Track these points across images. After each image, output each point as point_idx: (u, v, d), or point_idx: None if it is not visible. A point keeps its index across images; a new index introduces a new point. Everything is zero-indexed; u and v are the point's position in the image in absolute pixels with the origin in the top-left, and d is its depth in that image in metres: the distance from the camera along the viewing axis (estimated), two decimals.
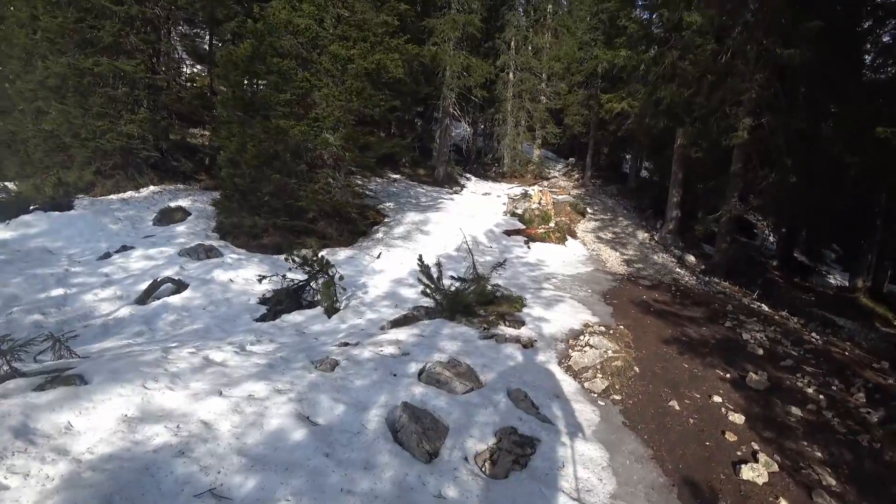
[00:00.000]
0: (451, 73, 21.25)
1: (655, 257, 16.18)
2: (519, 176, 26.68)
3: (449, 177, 22.19)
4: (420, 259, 8.18)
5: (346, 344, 6.53)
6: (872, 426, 6.45)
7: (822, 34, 14.20)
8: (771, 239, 28.45)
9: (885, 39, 18.64)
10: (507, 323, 7.56)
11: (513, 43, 26.37)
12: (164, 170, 16.23)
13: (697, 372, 7.31)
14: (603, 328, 8.22)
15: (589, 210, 21.36)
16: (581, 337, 7.53)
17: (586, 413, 5.52)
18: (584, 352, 6.81)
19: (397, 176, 20.99)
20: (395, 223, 14.20)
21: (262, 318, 8.63)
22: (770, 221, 28.64)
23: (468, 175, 25.41)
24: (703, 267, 16.30)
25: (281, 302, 9.04)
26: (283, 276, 9.36)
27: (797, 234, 24.84)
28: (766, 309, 12.53)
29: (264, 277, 9.32)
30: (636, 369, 6.89)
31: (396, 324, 7.48)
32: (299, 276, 9.38)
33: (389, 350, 6.12)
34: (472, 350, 6.33)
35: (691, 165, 18.64)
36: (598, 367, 6.45)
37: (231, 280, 9.90)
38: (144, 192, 15.21)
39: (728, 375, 7.36)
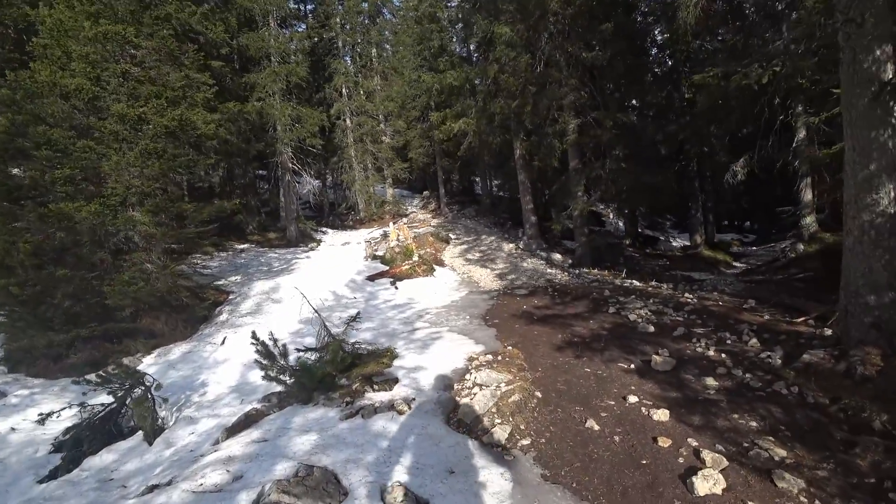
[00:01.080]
0: (282, 127, 19.49)
1: (525, 264, 15.57)
2: (378, 219, 25.33)
3: (303, 234, 20.15)
4: (254, 335, 6.25)
5: (154, 488, 4.40)
6: (780, 370, 5.78)
7: (615, 34, 14.89)
8: (619, 223, 30.15)
9: (656, 34, 20.58)
10: (377, 386, 5.88)
11: (344, 90, 25.35)
12: None
13: (601, 373, 6.20)
14: (490, 356, 6.87)
15: (452, 236, 20.54)
16: (467, 376, 6.08)
17: (493, 480, 4.00)
18: (474, 395, 5.35)
19: (244, 245, 18.50)
20: (241, 298, 11.92)
21: (53, 475, 6.03)
22: (613, 207, 30.45)
23: (324, 229, 23.49)
24: (570, 261, 16.01)
25: (81, 442, 6.49)
26: (82, 406, 6.82)
27: (637, 212, 26.48)
28: (638, 284, 12.23)
29: (48, 416, 6.68)
30: (538, 395, 5.58)
31: (234, 430, 5.45)
32: (107, 399, 6.92)
33: (214, 479, 4.13)
34: (332, 441, 4.55)
35: (536, 172, 18.68)
36: (495, 409, 5.02)
37: (12, 429, 7.07)
38: None
39: (632, 366, 6.36)
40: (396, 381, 6.10)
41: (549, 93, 14.95)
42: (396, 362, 6.75)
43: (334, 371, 6.09)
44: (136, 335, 10.24)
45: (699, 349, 6.73)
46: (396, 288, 12.80)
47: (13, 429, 7.11)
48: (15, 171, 10.38)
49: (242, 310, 11.36)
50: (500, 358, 6.76)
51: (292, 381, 5.92)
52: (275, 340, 6.52)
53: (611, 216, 30.97)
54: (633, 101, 21.00)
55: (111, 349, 9.90)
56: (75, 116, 10.19)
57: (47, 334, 9.45)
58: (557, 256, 16.33)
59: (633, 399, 5.34)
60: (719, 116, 15.16)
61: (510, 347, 7.42)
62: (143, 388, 6.83)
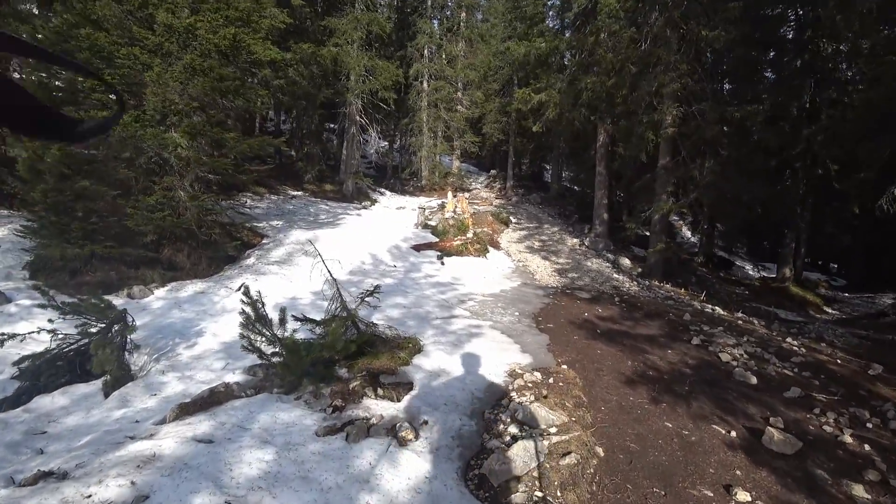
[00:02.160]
0: (355, 77, 18.12)
1: (589, 263, 13.55)
2: (439, 189, 23.71)
3: (359, 191, 18.89)
4: (244, 290, 4.81)
5: (43, 477, 3.05)
6: None
7: (743, 16, 12.35)
8: (689, 235, 27.15)
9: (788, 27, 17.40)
10: (382, 390, 4.31)
11: (426, 51, 23.61)
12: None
13: (689, 434, 4.35)
14: (538, 374, 5.14)
15: (513, 219, 18.67)
16: (505, 401, 4.39)
17: None
18: (511, 444, 3.62)
19: (298, 192, 17.46)
20: (274, 244, 10.71)
21: None
22: (688, 221, 27.40)
23: (383, 190, 22.17)
24: (639, 270, 13.85)
25: (38, 376, 5.35)
26: (53, 333, 5.68)
27: (714, 229, 23.54)
28: (723, 312, 10.04)
29: (11, 337, 5.56)
30: (599, 453, 3.82)
31: (188, 409, 4.04)
32: (90, 331, 5.74)
33: (109, 493, 2.72)
34: (290, 470, 3.02)
35: (616, 165, 16.40)
36: (537, 475, 3.29)
37: None
38: None
39: (733, 433, 4.44)
40: (410, 387, 4.50)
41: (652, 75, 12.64)
42: (417, 359, 5.14)
43: (334, 356, 4.57)
44: (156, 264, 9.19)
45: (828, 428, 4.70)
46: (442, 263, 11.20)
47: None
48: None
49: (272, 257, 10.11)
50: (550, 381, 5.02)
51: (277, 359, 4.45)
52: (272, 305, 5.09)
53: (683, 229, 27.97)
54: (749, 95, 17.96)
55: (126, 274, 8.91)
56: (126, 23, 9.07)
57: (63, 246, 8.55)
58: (626, 262, 14.19)
59: (743, 497, 3.48)
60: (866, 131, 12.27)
61: (565, 366, 5.65)
62: (117, 327, 5.60)
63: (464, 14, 25.48)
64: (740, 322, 8.97)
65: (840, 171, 17.27)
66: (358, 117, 18.91)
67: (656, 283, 12.56)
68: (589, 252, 15.09)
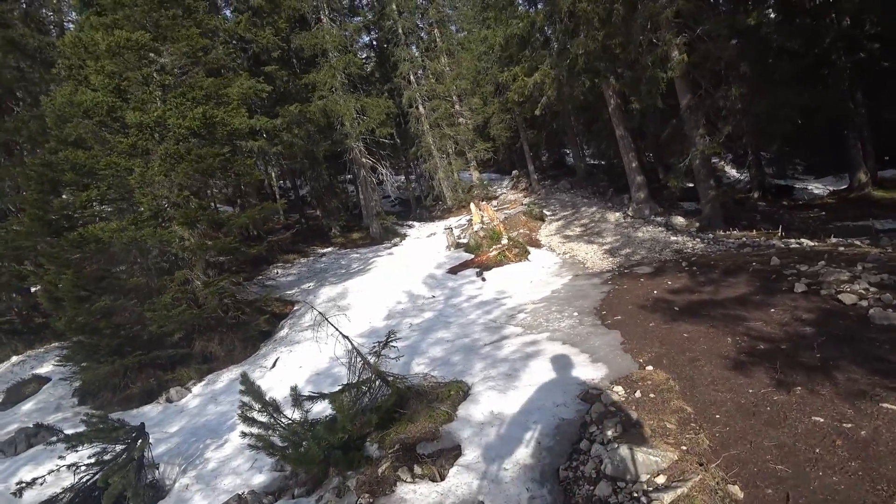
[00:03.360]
0: (349, 122, 17.60)
1: (639, 234, 12.06)
2: (465, 206, 22.69)
3: (386, 231, 18.17)
4: (244, 379, 3.90)
5: None
6: None
7: None
8: (735, 174, 24.75)
9: None
10: (421, 466, 3.25)
11: (411, 76, 23.00)
12: (29, 331, 11.92)
13: (857, 428, 2.97)
14: (620, 390, 3.91)
15: (547, 212, 17.36)
16: (585, 446, 3.20)
17: None
18: None
19: (327, 249, 16.91)
20: (305, 308, 9.98)
21: None
22: (728, 158, 25.02)
23: (411, 223, 21.40)
24: (696, 225, 12.21)
25: None
26: (74, 469, 4.97)
27: (760, 158, 21.18)
28: (812, 243, 8.40)
29: (29, 484, 4.87)
30: (738, 496, 2.58)
31: None
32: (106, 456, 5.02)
33: None
34: None
35: (636, 123, 14.92)
36: None
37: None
38: (4, 366, 10.92)
39: None
40: (457, 453, 3.40)
41: (642, 9, 11.21)
42: (464, 408, 4.04)
43: (357, 432, 3.55)
44: (190, 360, 8.61)
45: None
46: (483, 279, 10.09)
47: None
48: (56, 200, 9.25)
49: (304, 322, 9.34)
50: (637, 394, 3.79)
51: (291, 451, 3.47)
52: (295, 390, 4.15)
53: (726, 168, 25.58)
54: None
55: (164, 377, 8.36)
56: (99, 133, 8.71)
57: (94, 367, 8.11)
58: (679, 220, 12.59)
59: None
60: None
61: (650, 368, 4.39)
62: (133, 445, 4.82)
63: (436, 30, 24.76)
64: (841, 249, 7.32)
65: (886, 47, 15.05)
66: (364, 159, 18.32)
67: (720, 233, 10.95)
68: (635, 222, 13.56)
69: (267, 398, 3.94)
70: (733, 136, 12.61)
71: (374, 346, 4.33)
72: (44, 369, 10.37)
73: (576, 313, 6.77)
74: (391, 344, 4.33)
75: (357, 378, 4.20)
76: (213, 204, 9.63)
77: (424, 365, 5.72)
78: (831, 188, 19.99)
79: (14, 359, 11.26)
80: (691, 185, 14.27)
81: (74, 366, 8.44)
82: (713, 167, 12.24)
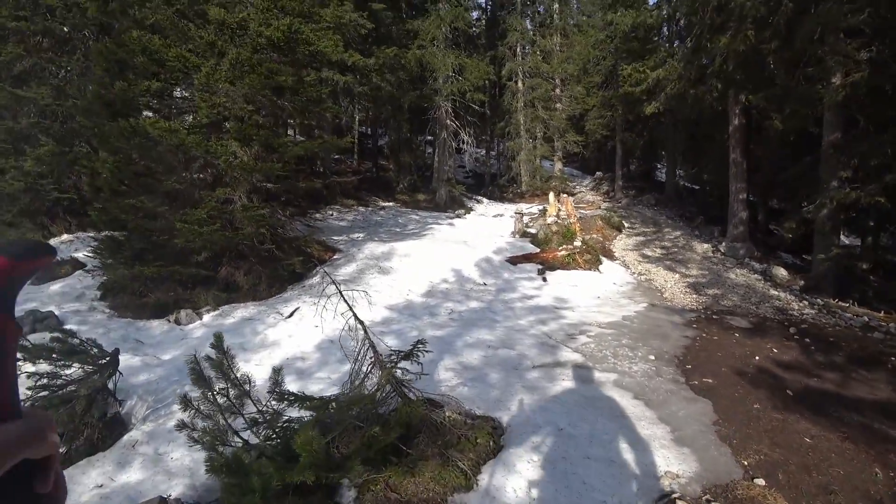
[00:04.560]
0: (442, 79, 16.26)
1: (731, 276, 10.13)
2: (541, 195, 20.96)
3: (452, 200, 16.92)
4: (216, 338, 2.80)
5: None
6: None
7: None
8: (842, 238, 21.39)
9: None
10: None
11: (518, 49, 21.18)
12: (85, 213, 11.75)
13: None
14: None
15: (626, 224, 15.47)
16: None
17: None
18: None
19: (389, 203, 15.91)
20: (346, 259, 8.96)
21: None
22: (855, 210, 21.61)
23: (480, 198, 19.99)
24: (802, 283, 10.10)
25: None
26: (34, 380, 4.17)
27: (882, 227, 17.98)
28: None
29: None
30: None
31: None
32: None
33: None
34: None
35: (757, 150, 12.65)
36: None
37: None
38: (53, 241, 10.71)
39: None
40: None
41: (818, 13, 8.99)
42: (489, 472, 2.75)
43: (335, 462, 2.36)
44: (212, 284, 7.78)
45: None
46: (544, 280, 8.66)
47: None
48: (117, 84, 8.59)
49: (340, 274, 8.32)
50: None
51: (226, 476, 2.33)
52: (276, 370, 3.04)
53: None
54: None
55: (181, 295, 7.59)
56: (178, 23, 7.84)
57: (115, 267, 7.47)
58: (782, 272, 10.53)
59: None
60: None
61: (761, 482, 2.94)
62: (91, 376, 3.93)
63: (556, 5, 22.63)
64: None
65: None
66: (448, 121, 16.97)
67: (833, 301, 8.88)
68: (727, 260, 11.55)
69: (237, 374, 2.82)
70: (874, 193, 10.24)
71: (392, 355, 3.09)
72: (82, 254, 10.06)
73: (652, 356, 5.26)
74: (413, 357, 3.07)
75: (359, 378, 3.01)
76: (277, 128, 8.61)
77: (453, 373, 4.48)
78: None
79: (65, 236, 11.04)
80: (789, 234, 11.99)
81: (101, 260, 7.87)
82: (840, 222, 9.99)
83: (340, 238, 10.82)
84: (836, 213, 10.04)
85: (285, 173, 7.61)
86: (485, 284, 8.20)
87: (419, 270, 8.52)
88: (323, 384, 4.47)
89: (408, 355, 3.02)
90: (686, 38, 12.43)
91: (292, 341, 5.80)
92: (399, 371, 3.10)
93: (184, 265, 7.36)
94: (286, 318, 6.74)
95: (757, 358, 5.46)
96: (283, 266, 8.36)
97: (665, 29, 13.77)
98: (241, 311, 7.04)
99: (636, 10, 13.89)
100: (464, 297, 7.43)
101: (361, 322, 3.34)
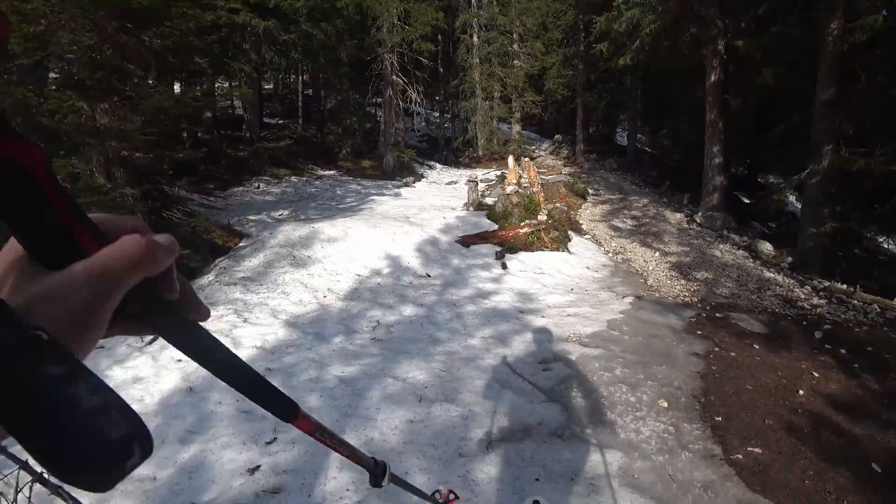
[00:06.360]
0: (387, 27, 13.59)
1: (716, 252, 8.47)
2: (498, 159, 18.85)
3: (402, 166, 14.57)
4: None
5: None
6: None
7: None
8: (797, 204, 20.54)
9: None
10: None
11: None
12: None
13: None
14: None
15: (590, 189, 13.65)
16: None
17: None
18: None
19: (329, 172, 13.43)
20: (253, 247, 6.68)
21: None
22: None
23: (433, 163, 17.67)
24: (790, 260, 8.59)
25: None
26: None
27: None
28: None
29: None
30: None
31: None
32: None
33: None
34: None
35: (738, 104, 10.88)
36: None
37: None
38: None
39: None
40: None
41: None
42: None
43: None
44: None
45: None
46: (504, 267, 6.66)
47: None
48: None
49: (242, 269, 6.05)
50: None
51: None
52: None
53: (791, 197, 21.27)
54: None
55: None
56: None
57: None
58: (767, 247, 9.00)
59: None
60: None
61: None
62: None
63: None
64: None
65: None
66: (394, 77, 14.40)
67: (838, 285, 7.36)
68: (705, 233, 9.92)
69: None
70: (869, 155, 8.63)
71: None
72: None
73: (663, 401, 3.39)
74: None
75: None
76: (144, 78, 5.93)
77: (350, 476, 2.43)
78: None
79: None
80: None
81: None
82: (828, 191, 8.40)
83: (258, 218, 8.43)
84: (827, 180, 8.44)
85: (150, 136, 5.14)
86: (428, 276, 6.12)
87: (345, 260, 6.34)
88: None
89: None
90: None
91: (138, 391, 3.61)
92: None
93: None
94: (147, 343, 4.47)
95: (801, 393, 3.69)
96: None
97: None
98: None
99: None
100: (397, 299, 5.34)
101: None
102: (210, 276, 5.99)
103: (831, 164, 8.07)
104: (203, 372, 2.66)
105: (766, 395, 3.65)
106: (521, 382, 3.54)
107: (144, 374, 3.99)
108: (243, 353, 4.21)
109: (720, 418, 3.29)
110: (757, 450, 2.96)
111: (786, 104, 10.30)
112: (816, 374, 4.04)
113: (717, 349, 4.43)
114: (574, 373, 3.74)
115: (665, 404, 3.38)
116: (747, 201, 14.66)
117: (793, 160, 9.84)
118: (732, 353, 4.36)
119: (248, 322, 4.82)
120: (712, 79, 11.02)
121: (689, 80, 12.60)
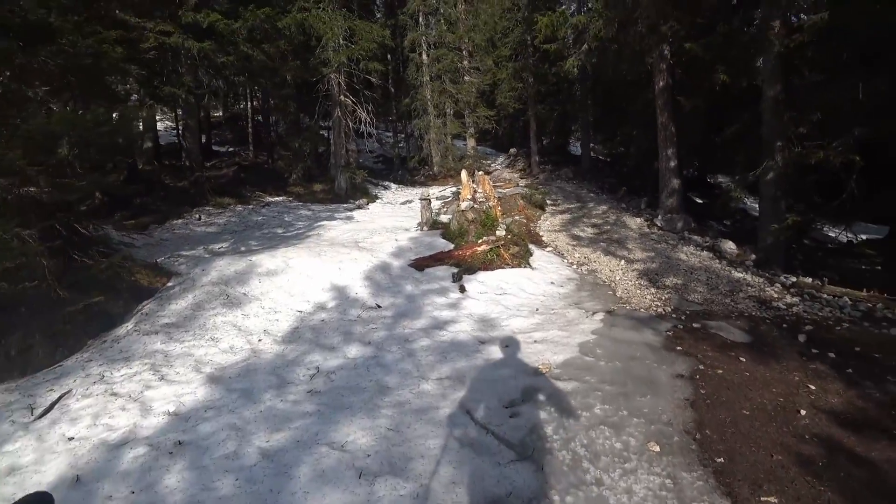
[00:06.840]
0: (332, 47, 13.00)
1: (681, 256, 8.16)
2: (454, 175, 18.38)
3: (354, 188, 13.86)
4: None
5: None
6: None
7: None
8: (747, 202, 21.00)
9: None
10: None
11: (421, 17, 18.20)
12: None
13: None
14: None
15: (548, 200, 13.33)
16: None
17: None
18: None
19: (278, 198, 12.56)
20: (182, 289, 5.81)
21: None
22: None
23: (388, 184, 17.04)
24: (753, 258, 8.37)
25: None
26: None
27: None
28: None
29: None
30: None
31: None
32: None
33: None
34: None
35: (690, 104, 10.80)
36: None
37: None
38: None
39: None
40: None
41: None
42: None
43: None
44: None
45: None
46: (462, 291, 6.03)
47: None
48: None
49: (167, 314, 5.17)
50: None
51: None
52: None
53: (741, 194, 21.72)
54: None
55: None
56: None
57: None
58: (730, 246, 8.76)
59: None
60: None
61: None
62: None
63: None
64: None
65: None
66: (342, 97, 13.75)
67: (806, 280, 7.12)
68: (667, 236, 9.66)
69: None
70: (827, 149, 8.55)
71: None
72: None
73: (653, 446, 2.81)
74: None
75: None
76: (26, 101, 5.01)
77: None
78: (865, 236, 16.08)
79: None
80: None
81: None
82: (784, 186, 8.28)
83: (192, 253, 7.50)
84: (782, 177, 8.29)
85: (39, 167, 4.24)
86: (378, 307, 5.42)
87: (285, 295, 5.57)
88: None
89: None
90: None
91: (11, 486, 2.73)
92: None
93: None
94: (34, 419, 3.55)
95: (803, 413, 3.20)
96: (77, 314, 5.02)
97: None
98: None
99: None
100: (342, 338, 4.61)
101: None
102: (129, 325, 5.08)
103: (787, 160, 7.92)
104: (96, 454, 1.87)
105: (766, 420, 3.14)
106: (485, 437, 2.88)
107: (24, 461, 3.12)
108: (152, 422, 3.39)
109: (722, 459, 2.73)
110: (772, 499, 2.40)
111: (736, 104, 10.28)
112: (813, 387, 3.57)
113: (702, 367, 3.92)
114: (547, 416, 3.12)
115: (657, 448, 2.79)
116: (700, 202, 14.67)
117: (742, 159, 9.74)
118: (720, 371, 3.86)
119: (164, 380, 3.99)
120: (660, 84, 10.95)
121: (638, 86, 12.54)
